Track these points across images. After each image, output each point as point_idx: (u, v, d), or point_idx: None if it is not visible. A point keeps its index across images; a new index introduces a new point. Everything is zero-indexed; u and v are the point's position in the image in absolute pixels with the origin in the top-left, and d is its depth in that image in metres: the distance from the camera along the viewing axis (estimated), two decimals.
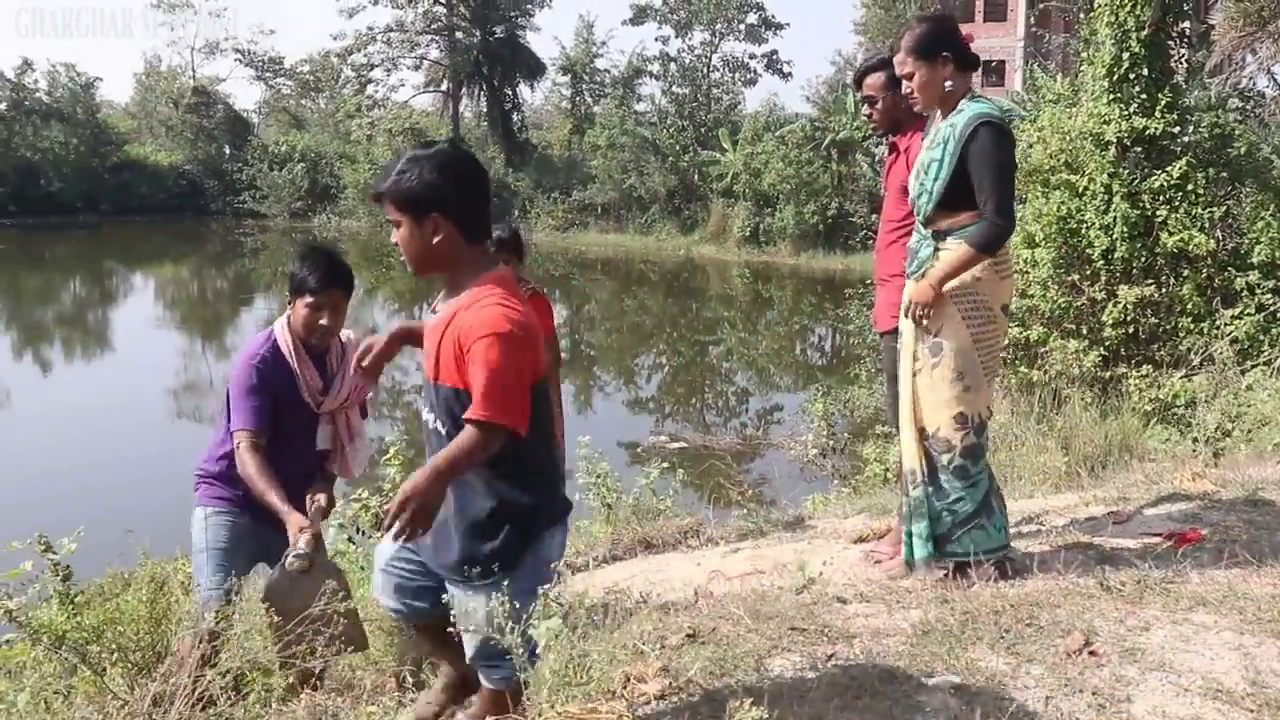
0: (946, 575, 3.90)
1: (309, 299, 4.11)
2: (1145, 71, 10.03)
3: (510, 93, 53.27)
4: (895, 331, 4.29)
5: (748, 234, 38.19)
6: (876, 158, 37.55)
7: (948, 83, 3.96)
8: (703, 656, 3.27)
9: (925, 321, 3.93)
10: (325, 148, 54.33)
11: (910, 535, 4.09)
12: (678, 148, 42.84)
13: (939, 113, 4.08)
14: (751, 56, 47.79)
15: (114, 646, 3.59)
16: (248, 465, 4.02)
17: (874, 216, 34.54)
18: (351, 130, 51.64)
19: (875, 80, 4.71)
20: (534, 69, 52.83)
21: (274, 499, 3.95)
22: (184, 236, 48.81)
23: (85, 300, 34.70)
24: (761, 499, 9.73)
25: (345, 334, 4.37)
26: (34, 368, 22.97)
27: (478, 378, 2.91)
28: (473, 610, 3.08)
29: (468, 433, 2.91)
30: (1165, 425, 8.36)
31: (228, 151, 56.55)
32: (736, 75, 47.82)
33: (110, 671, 3.84)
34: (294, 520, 3.92)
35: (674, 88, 46.68)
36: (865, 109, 4.85)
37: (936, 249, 3.97)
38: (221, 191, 54.80)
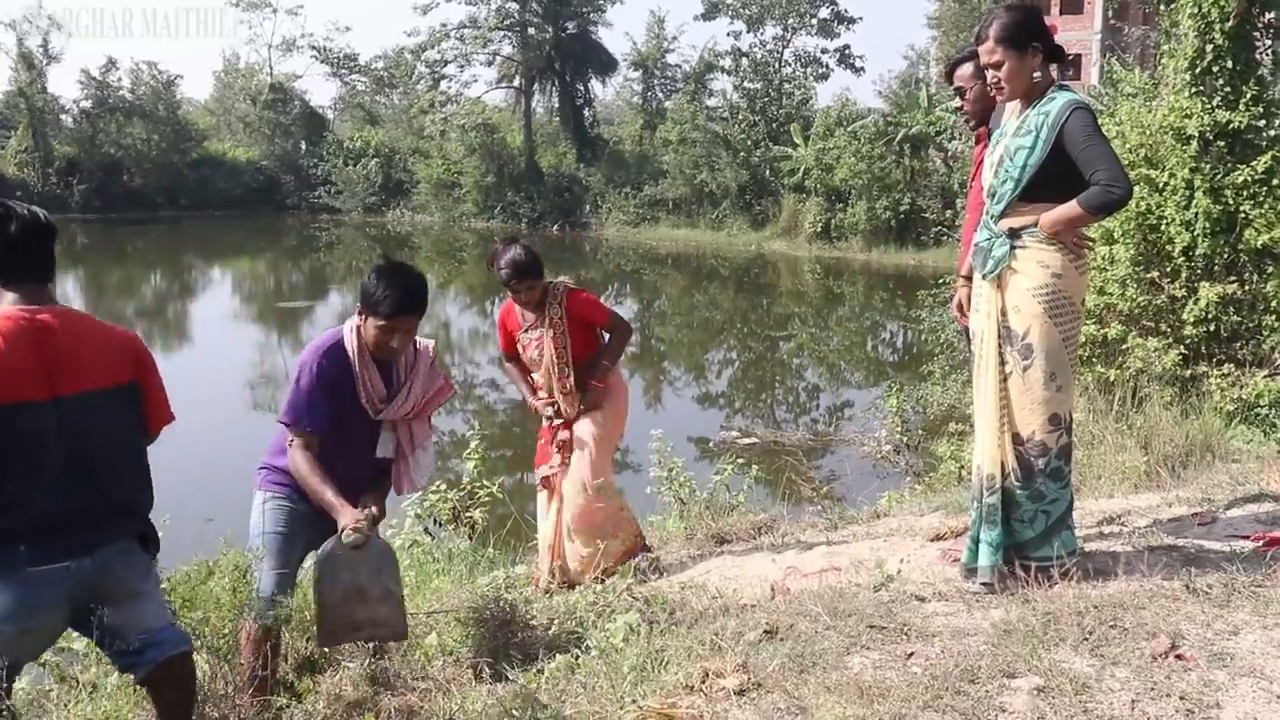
0: (1022, 580, 3.82)
1: (380, 323, 4.06)
2: (1229, 64, 9.81)
3: (582, 88, 53.47)
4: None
5: (819, 229, 37.99)
6: (950, 153, 37.19)
7: (1035, 73, 3.91)
8: (781, 653, 3.26)
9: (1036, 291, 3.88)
10: (399, 143, 54.98)
11: (977, 541, 4.03)
12: (749, 143, 42.69)
13: (1017, 104, 4.03)
14: (824, 51, 47.66)
15: (196, 633, 3.65)
16: (299, 463, 4.04)
17: (947, 212, 34.36)
18: (425, 126, 52.14)
19: (965, 71, 4.72)
20: (606, 64, 52.97)
21: (327, 494, 3.96)
22: (261, 231, 49.60)
23: (165, 293, 35.37)
24: (834, 495, 9.72)
25: (421, 342, 4.34)
26: None
27: None
28: None
29: None
30: (1249, 425, 8.19)
31: (304, 147, 57.45)
32: (808, 70, 47.62)
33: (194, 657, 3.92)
34: (347, 514, 3.92)
35: (745, 83, 46.55)
36: (956, 100, 4.84)
37: (1013, 248, 3.91)
38: (297, 187, 55.69)
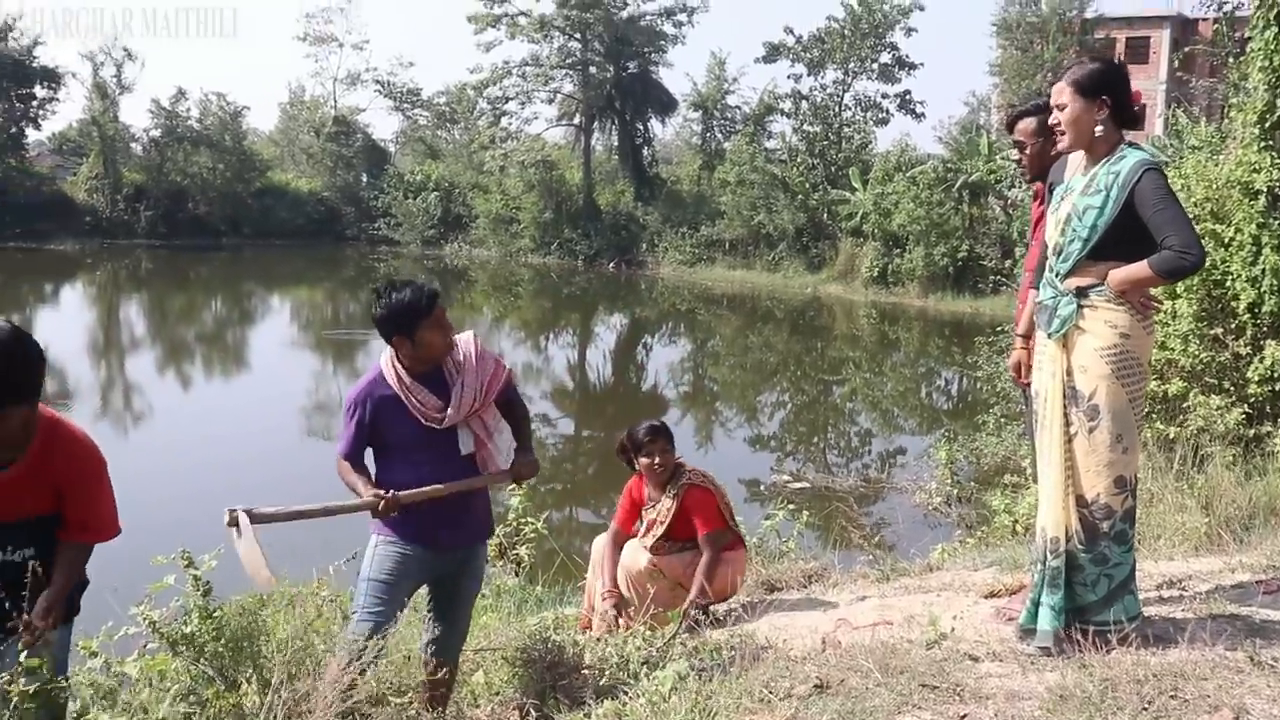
0: (1079, 644, 3.74)
1: (427, 320, 4.19)
2: None
3: (641, 127, 53.77)
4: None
5: (875, 274, 37.87)
6: (1009, 200, 36.94)
7: (1099, 127, 3.85)
8: (830, 709, 3.21)
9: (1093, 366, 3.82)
10: (459, 177, 55.58)
11: (1037, 604, 3.95)
12: (807, 185, 42.69)
13: (1081, 160, 3.97)
14: (884, 96, 47.60)
15: (250, 663, 3.67)
16: (338, 469, 4.28)
17: (1006, 261, 34.09)
18: (485, 161, 52.67)
19: (1027, 125, 4.66)
20: (665, 104, 53.25)
21: (353, 478, 4.21)
22: (320, 261, 50.24)
23: (225, 319, 35.83)
24: (884, 544, 9.60)
25: (460, 337, 4.39)
26: (175, 383, 23.77)
27: None
28: None
29: None
30: None
31: (365, 179, 58.27)
32: (868, 114, 47.57)
33: (245, 687, 3.93)
34: (366, 494, 4.12)
35: (805, 126, 46.65)
36: (1015, 154, 4.78)
37: (1080, 306, 3.85)
38: (358, 218, 56.41)
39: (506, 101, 52.80)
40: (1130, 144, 3.91)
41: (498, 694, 4.46)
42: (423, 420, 4.21)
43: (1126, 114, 3.92)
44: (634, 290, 42.96)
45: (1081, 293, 3.86)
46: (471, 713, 4.16)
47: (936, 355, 29.79)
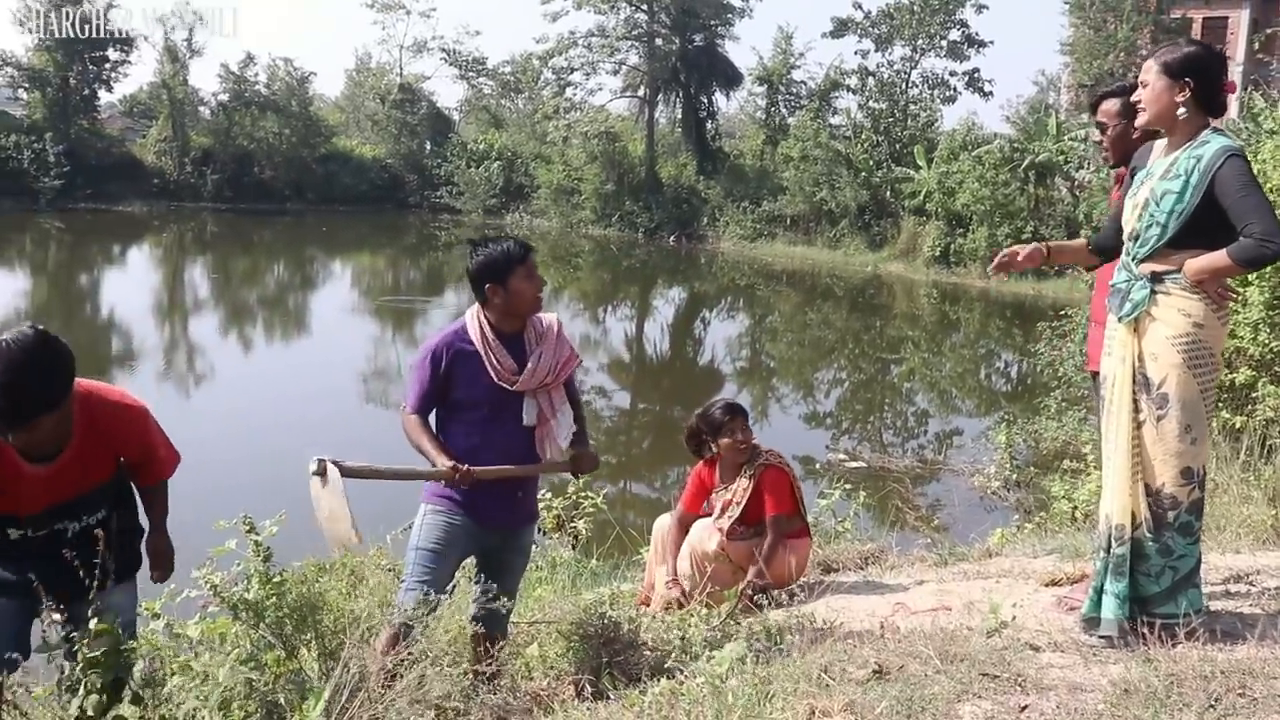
0: (1145, 637, 3.68)
1: (521, 269, 4.26)
2: None
3: (705, 100, 53.41)
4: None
5: (938, 253, 37.46)
6: (1076, 182, 36.40)
7: (1180, 110, 3.77)
8: (889, 695, 3.18)
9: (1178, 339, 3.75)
10: (522, 147, 55.64)
11: (1100, 591, 3.90)
12: (871, 163, 42.29)
13: (1164, 145, 3.90)
14: (952, 74, 46.84)
15: (310, 630, 3.71)
16: (405, 426, 4.28)
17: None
18: (548, 131, 52.57)
19: (1110, 106, 4.59)
20: (731, 78, 52.85)
21: (427, 445, 4.20)
22: (383, 227, 50.58)
23: (287, 284, 36.23)
24: (940, 526, 9.52)
25: (546, 316, 4.46)
26: (236, 346, 24.08)
27: None
28: None
29: None
30: None
31: (428, 147, 58.47)
32: (935, 92, 46.88)
33: (303, 653, 3.97)
34: (441, 462, 4.13)
35: (871, 102, 46.08)
36: (1097, 135, 4.72)
37: (1154, 292, 3.78)
38: (420, 186, 56.65)
39: (571, 72, 52.69)
40: (1215, 130, 3.82)
41: (552, 668, 4.49)
42: (496, 379, 4.25)
43: (1214, 100, 3.83)
44: (693, 264, 42.84)
45: (1156, 278, 3.79)
46: (526, 685, 4.18)
47: (997, 337, 29.50)
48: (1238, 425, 9.13)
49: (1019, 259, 4.30)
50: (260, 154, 54.94)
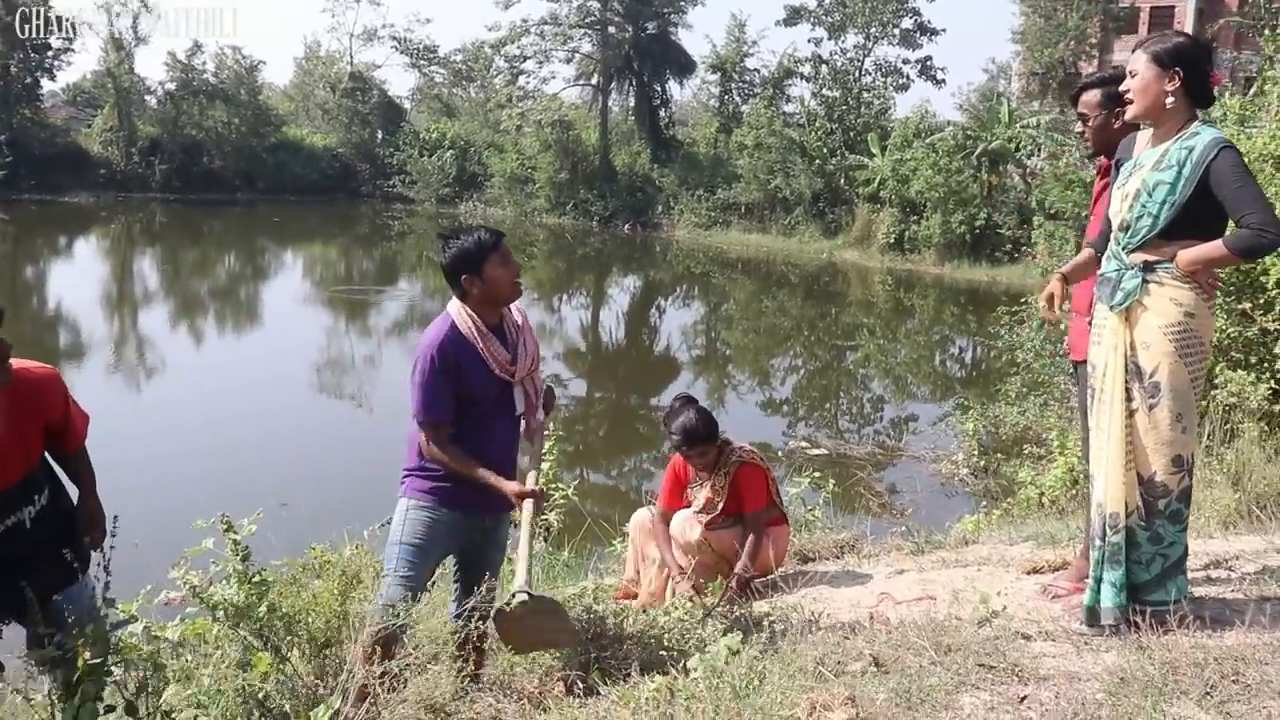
0: (1138, 625, 3.69)
1: (496, 256, 4.19)
2: None
3: (659, 88, 53.40)
4: (1085, 363, 4.10)
5: (892, 241, 37.65)
6: (1028, 170, 36.64)
7: (1169, 99, 3.77)
8: (886, 687, 3.17)
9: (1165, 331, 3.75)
10: (475, 136, 55.40)
11: (1099, 582, 3.90)
12: (825, 150, 42.42)
13: (1149, 135, 3.90)
14: (905, 61, 47.20)
15: (302, 632, 3.64)
16: (441, 455, 4.15)
17: (1023, 229, 33.81)
18: (501, 120, 52.41)
19: (1091, 97, 4.55)
20: (684, 66, 52.84)
21: (482, 473, 4.13)
22: (335, 217, 50.18)
23: (239, 275, 35.81)
24: (902, 512, 9.52)
25: (514, 306, 4.42)
26: (187, 338, 23.76)
27: None
28: None
29: None
30: None
31: (380, 136, 58.05)
32: (888, 80, 47.17)
33: (289, 653, 3.90)
34: (509, 489, 4.11)
35: (824, 90, 46.29)
36: (1079, 126, 4.68)
37: (1145, 281, 3.78)
38: (372, 175, 56.30)
39: (524, 60, 52.61)
40: (1204, 121, 3.82)
41: (537, 664, 4.42)
42: (498, 371, 4.22)
43: (1201, 92, 3.83)
44: (648, 252, 42.80)
45: (1148, 268, 3.79)
46: (514, 684, 4.12)
47: (951, 323, 29.69)
48: (1200, 409, 9.21)
49: (1055, 299, 4.28)
50: (209, 143, 54.34)
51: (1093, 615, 3.90)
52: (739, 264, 39.33)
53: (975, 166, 36.14)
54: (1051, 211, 31.35)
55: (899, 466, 14.08)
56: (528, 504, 4.15)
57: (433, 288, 33.61)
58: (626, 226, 46.98)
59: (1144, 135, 3.95)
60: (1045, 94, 47.01)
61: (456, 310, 4.25)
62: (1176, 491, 3.80)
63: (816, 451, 14.57)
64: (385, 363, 21.57)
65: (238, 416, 15.34)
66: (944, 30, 52.30)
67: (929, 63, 47.04)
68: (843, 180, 41.61)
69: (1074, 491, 8.48)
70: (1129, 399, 3.81)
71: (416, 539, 4.19)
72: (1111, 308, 3.85)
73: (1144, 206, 3.78)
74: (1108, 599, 3.82)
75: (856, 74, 46.46)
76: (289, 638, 3.80)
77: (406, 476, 4.34)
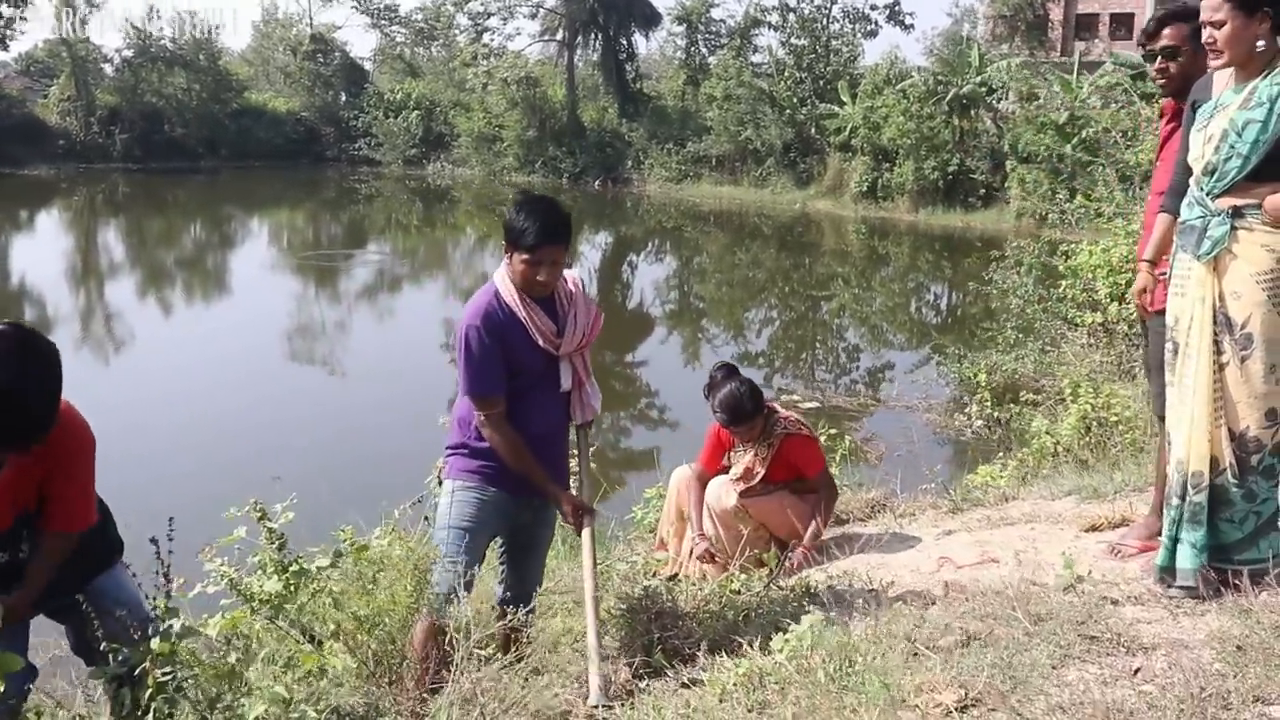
0: (1236, 586, 3.53)
1: (525, 255, 3.94)
2: None
3: (625, 42, 52.79)
4: (1162, 315, 3.91)
5: (865, 189, 37.46)
6: (999, 113, 36.49)
7: (1260, 41, 3.57)
8: (985, 663, 3.00)
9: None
10: (440, 96, 54.73)
11: (1176, 541, 3.73)
12: (795, 100, 42.06)
13: (1229, 75, 3.69)
14: (873, 8, 46.75)
15: (351, 620, 3.44)
16: (500, 443, 3.97)
17: (996, 174, 33.71)
18: (467, 79, 51.79)
19: (1178, 31, 4.24)
20: (649, 18, 52.30)
21: (537, 473, 3.98)
22: (300, 182, 49.59)
23: (205, 243, 35.29)
24: (931, 469, 9.29)
25: (569, 274, 4.21)
26: (155, 309, 23.37)
27: None
28: None
29: None
30: None
31: (344, 99, 57.34)
32: (857, 27, 46.70)
33: (330, 644, 3.70)
34: (565, 499, 3.99)
35: (792, 39, 45.66)
36: (1159, 63, 4.33)
37: (1234, 227, 3.59)
38: (337, 139, 55.63)
39: (488, 17, 51.98)
40: None
41: (578, 641, 4.25)
42: (541, 342, 4.01)
43: None
44: (620, 208, 42.46)
45: (1237, 213, 3.59)
46: (557, 662, 3.94)
47: (926, 270, 29.63)
48: None
49: (1149, 293, 4.21)
50: (170, 111, 53.41)
51: (1166, 575, 3.74)
52: (711, 217, 39.09)
53: (947, 112, 35.93)
54: (1024, 155, 31.51)
55: (894, 415, 13.92)
56: (586, 534, 3.98)
57: (403, 249, 33.25)
58: (597, 183, 46.58)
59: (1221, 75, 3.75)
60: (1013, 37, 46.86)
61: (501, 277, 4.06)
62: (1270, 446, 3.64)
63: (810, 404, 14.41)
64: (357, 328, 21.31)
65: (213, 387, 15.04)
66: None
67: (897, 7, 46.70)
68: (813, 130, 41.29)
69: (1087, 439, 8.37)
70: (1218, 352, 3.63)
71: (465, 522, 4.00)
72: (1198, 257, 3.65)
73: (1232, 148, 3.59)
74: (1186, 560, 3.66)
75: (824, 21, 45.93)
76: (325, 626, 3.60)
77: (451, 455, 4.15)
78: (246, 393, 14.99)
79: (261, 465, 11.14)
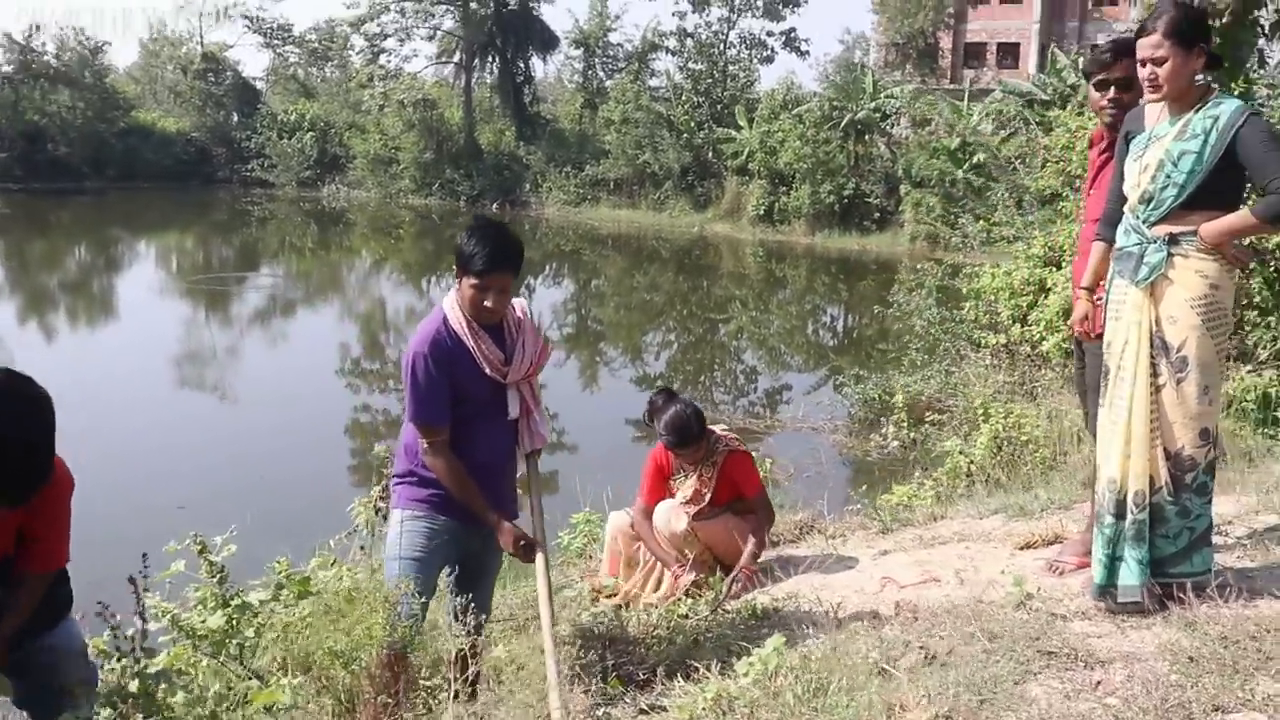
0: (1180, 599, 3.64)
1: (474, 280, 3.89)
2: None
3: (522, 65, 52.77)
4: (1100, 339, 4.02)
5: (762, 212, 37.93)
6: (892, 138, 37.27)
7: (1197, 76, 3.71)
8: (949, 681, 3.05)
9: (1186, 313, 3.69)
10: (335, 117, 54.04)
11: (1115, 559, 3.82)
12: (692, 124, 42.49)
13: (1161, 108, 3.81)
14: (769, 34, 47.51)
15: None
16: (443, 471, 3.91)
17: (890, 197, 34.42)
18: (363, 100, 51.24)
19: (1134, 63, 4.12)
20: (547, 42, 52.29)
21: (478, 503, 3.90)
22: (191, 204, 48.52)
23: (90, 267, 34.31)
24: (861, 492, 9.38)
25: (518, 302, 4.17)
26: (38, 334, 22.62)
27: None
28: None
29: None
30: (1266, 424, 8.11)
31: (236, 119, 56.22)
32: (753, 52, 47.44)
33: (277, 680, 3.61)
34: (504, 532, 3.91)
35: (690, 64, 46.25)
36: (1113, 92, 4.35)
37: (1170, 254, 3.71)
38: (229, 159, 54.54)
39: (385, 39, 51.44)
40: (1221, 90, 3.77)
41: (521, 669, 4.20)
42: (489, 371, 3.96)
43: (1213, 56, 3.78)
44: (518, 231, 42.16)
45: (1173, 240, 3.72)
46: (517, 695, 3.89)
47: (823, 292, 30.05)
48: None
49: (1090, 319, 4.27)
50: (53, 129, 51.84)
51: (1107, 592, 3.83)
52: (609, 240, 39.19)
53: (842, 137, 36.62)
54: (918, 179, 32.24)
55: (800, 436, 14.03)
56: (540, 561, 3.92)
57: (297, 273, 32.72)
58: (495, 206, 46.35)
59: (1153, 108, 3.87)
60: (905, 64, 47.93)
61: (450, 304, 4.01)
62: (1203, 464, 3.76)
63: (717, 426, 14.44)
64: (249, 353, 20.91)
65: (101, 412, 14.54)
66: (807, 1, 52.80)
67: (793, 34, 47.47)
68: (711, 153, 41.75)
69: (998, 458, 8.55)
70: (1155, 374, 3.74)
71: (417, 552, 3.94)
72: (1136, 283, 3.77)
73: (1169, 177, 3.72)
74: (1130, 577, 3.75)
75: (721, 47, 46.52)
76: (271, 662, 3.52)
77: (398, 484, 4.08)
78: (136, 417, 14.60)
79: (153, 491, 10.87)
